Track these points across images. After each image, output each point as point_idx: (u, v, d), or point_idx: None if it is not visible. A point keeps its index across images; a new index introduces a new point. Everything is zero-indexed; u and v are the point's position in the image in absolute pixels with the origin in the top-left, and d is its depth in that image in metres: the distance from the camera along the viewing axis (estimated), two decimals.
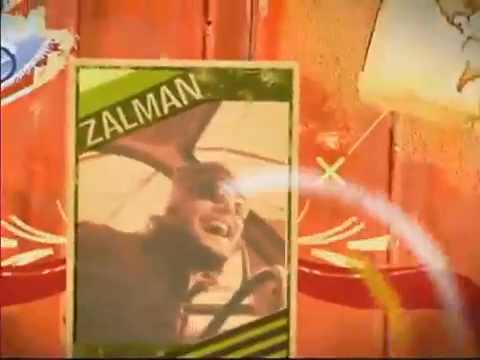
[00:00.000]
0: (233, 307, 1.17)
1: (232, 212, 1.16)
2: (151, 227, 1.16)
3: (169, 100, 1.15)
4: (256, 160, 1.17)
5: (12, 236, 1.16)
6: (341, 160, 1.18)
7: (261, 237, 1.17)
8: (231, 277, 1.17)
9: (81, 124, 1.15)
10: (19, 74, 1.15)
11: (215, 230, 1.16)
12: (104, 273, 1.16)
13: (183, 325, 1.17)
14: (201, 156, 1.17)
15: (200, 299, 1.17)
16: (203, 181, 1.17)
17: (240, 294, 1.17)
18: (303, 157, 1.18)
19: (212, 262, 1.17)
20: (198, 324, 1.17)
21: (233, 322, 1.17)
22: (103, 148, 1.16)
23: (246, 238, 1.17)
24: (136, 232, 1.16)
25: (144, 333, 1.17)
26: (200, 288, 1.16)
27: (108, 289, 1.16)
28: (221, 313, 1.17)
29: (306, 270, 1.18)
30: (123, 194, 1.16)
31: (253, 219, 1.17)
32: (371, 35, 1.17)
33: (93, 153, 1.16)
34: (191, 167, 1.17)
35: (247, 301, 1.17)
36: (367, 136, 1.18)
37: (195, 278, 1.16)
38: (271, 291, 1.17)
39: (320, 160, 1.18)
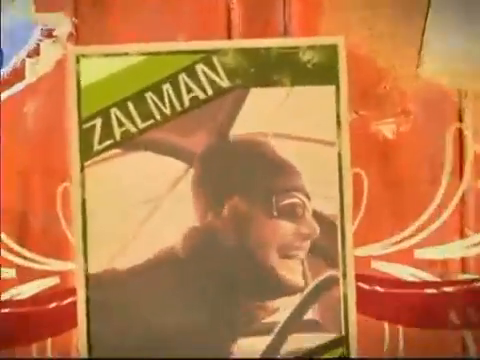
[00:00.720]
0: (294, 324, 1.10)
1: (313, 236, 1.09)
2: (186, 243, 1.10)
3: (190, 90, 1.10)
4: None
5: (10, 265, 1.11)
6: None
7: (321, 236, 1.11)
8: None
9: (85, 125, 1.10)
10: (7, 68, 1.11)
11: (289, 257, 1.10)
12: (124, 302, 1.09)
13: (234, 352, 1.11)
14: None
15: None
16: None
17: (301, 307, 1.10)
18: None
19: (279, 291, 1.09)
20: (254, 347, 1.10)
21: (294, 342, 1.10)
22: (115, 148, 1.11)
23: None
24: (168, 248, 1.10)
25: None
26: (254, 319, 1.10)
27: (129, 320, 1.09)
28: (280, 333, 1.10)
29: (365, 287, 1.10)
30: (147, 202, 1.11)
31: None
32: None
33: (102, 156, 1.11)
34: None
35: (310, 315, 1.10)
36: (430, 117, 1.11)
37: (252, 306, 1.09)
38: (338, 299, 1.09)
39: None
